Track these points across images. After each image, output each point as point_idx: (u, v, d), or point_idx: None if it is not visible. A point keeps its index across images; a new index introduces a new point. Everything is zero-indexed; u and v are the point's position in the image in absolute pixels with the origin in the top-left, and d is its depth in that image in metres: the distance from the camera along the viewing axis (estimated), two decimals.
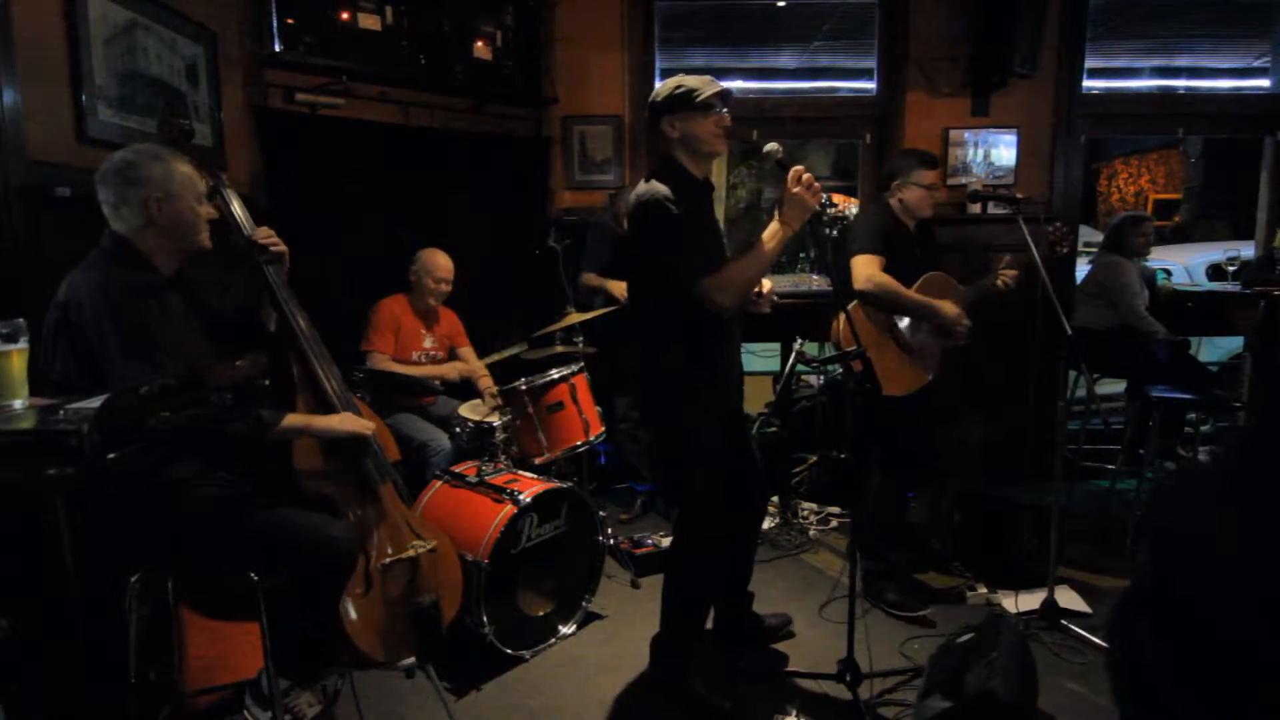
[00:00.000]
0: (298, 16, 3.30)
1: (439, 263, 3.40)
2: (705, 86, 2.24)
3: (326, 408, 2.16)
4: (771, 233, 2.18)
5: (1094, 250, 4.36)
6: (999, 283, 2.98)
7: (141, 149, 1.91)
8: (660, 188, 2.18)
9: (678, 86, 2.25)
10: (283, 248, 2.15)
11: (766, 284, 2.44)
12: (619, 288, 3.63)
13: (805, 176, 2.16)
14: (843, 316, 2.66)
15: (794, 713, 2.30)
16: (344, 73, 3.47)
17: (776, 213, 2.19)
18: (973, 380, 3.51)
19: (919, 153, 2.97)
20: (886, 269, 2.81)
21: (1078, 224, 4.79)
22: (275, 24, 3.27)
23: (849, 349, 2.40)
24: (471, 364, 3.56)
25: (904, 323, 2.89)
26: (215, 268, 2.25)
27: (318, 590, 1.98)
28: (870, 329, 2.84)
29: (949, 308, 2.86)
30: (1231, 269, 4.61)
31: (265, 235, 2.12)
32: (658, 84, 2.39)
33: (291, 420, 2.01)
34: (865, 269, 2.79)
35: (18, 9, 2.15)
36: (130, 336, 1.75)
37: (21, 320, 1.55)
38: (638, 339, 2.37)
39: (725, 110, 2.26)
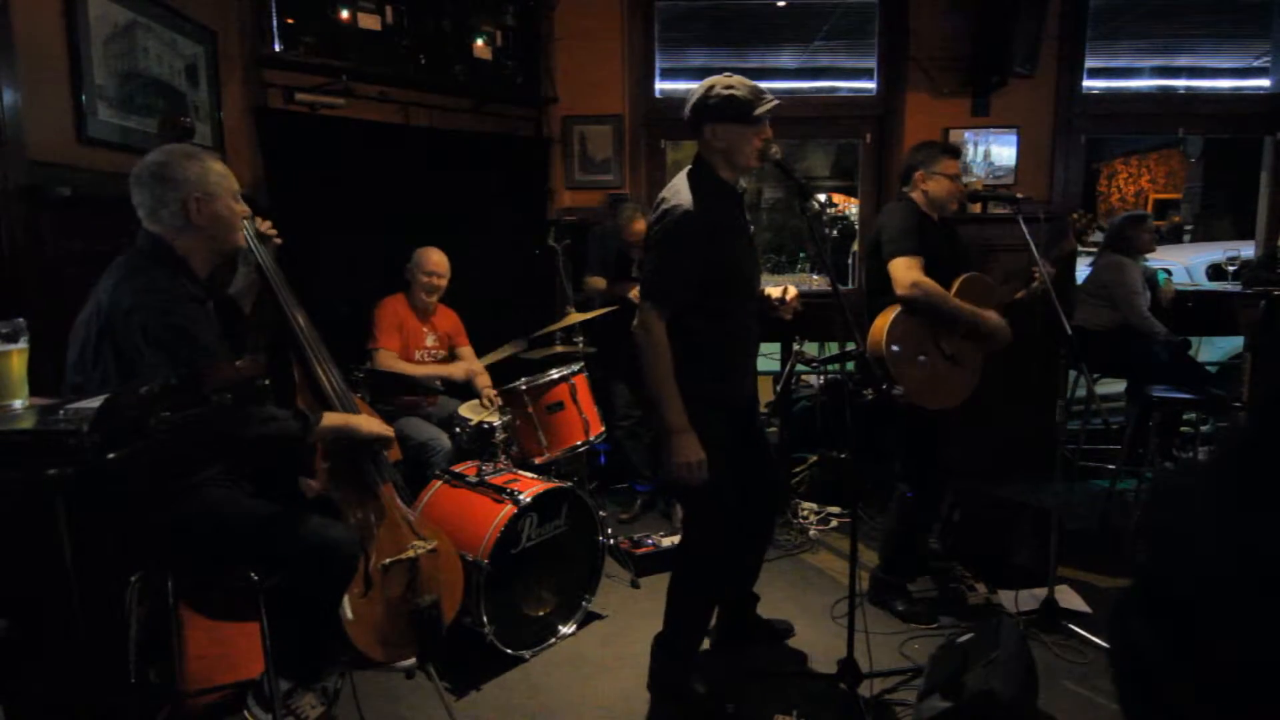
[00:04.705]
0: (298, 16, 3.31)
1: (430, 258, 3.41)
2: (758, 99, 2.09)
3: (326, 408, 2.14)
4: (673, 418, 2.10)
5: (1094, 250, 4.36)
6: (1034, 284, 2.87)
7: (175, 149, 1.90)
8: (686, 201, 2.09)
9: (729, 89, 2.09)
10: (279, 240, 2.20)
11: (792, 290, 2.41)
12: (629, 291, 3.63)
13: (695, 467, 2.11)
14: (884, 326, 2.61)
15: (794, 713, 2.30)
16: (344, 73, 3.48)
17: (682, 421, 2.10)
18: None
19: (941, 143, 2.90)
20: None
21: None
22: (275, 24, 3.27)
23: (853, 348, 2.37)
24: (473, 364, 3.57)
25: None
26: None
27: (318, 593, 1.98)
28: (915, 339, 2.67)
29: (994, 318, 2.73)
30: (1231, 269, 4.61)
31: (267, 229, 2.17)
32: (692, 85, 2.20)
33: (330, 420, 2.00)
34: (907, 273, 2.60)
35: (18, 9, 2.15)
36: (182, 343, 1.72)
37: (21, 320, 1.55)
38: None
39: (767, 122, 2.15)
